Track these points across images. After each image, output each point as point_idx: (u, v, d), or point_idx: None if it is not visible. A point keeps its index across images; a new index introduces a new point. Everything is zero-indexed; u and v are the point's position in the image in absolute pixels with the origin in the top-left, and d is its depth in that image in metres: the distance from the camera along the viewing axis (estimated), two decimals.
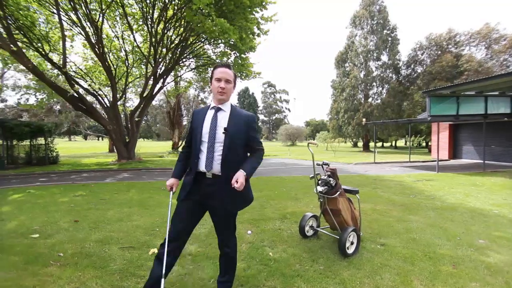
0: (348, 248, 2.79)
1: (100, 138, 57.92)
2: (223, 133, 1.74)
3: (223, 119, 1.79)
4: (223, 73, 1.79)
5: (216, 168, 1.74)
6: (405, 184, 7.48)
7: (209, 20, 8.08)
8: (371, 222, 3.97)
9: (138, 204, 5.03)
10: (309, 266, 2.59)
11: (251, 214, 4.29)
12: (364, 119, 18.96)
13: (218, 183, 1.76)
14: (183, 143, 2.06)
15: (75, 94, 10.65)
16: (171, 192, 1.96)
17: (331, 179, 2.90)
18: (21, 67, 12.93)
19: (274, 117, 77.38)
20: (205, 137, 1.77)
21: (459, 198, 5.76)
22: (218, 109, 1.83)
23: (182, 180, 1.93)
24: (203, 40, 12.98)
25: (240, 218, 4.08)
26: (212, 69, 1.92)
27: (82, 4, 9.84)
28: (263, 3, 8.99)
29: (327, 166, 2.97)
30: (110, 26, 12.79)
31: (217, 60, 14.15)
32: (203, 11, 7.86)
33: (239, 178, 1.64)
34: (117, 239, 3.27)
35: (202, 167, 1.76)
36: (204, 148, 1.77)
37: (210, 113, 1.83)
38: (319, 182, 2.97)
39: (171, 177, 1.95)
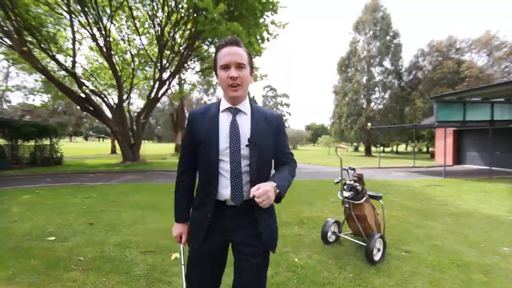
0: (375, 255, 2.74)
1: (101, 139, 57.79)
2: (247, 145, 1.19)
3: (246, 126, 1.23)
4: (231, 54, 1.17)
5: (246, 195, 1.20)
6: (415, 189, 7.44)
7: (221, 26, 8.08)
8: (390, 228, 3.92)
9: (150, 207, 4.97)
10: (338, 273, 2.54)
11: None
12: (369, 124, 18.99)
13: (248, 212, 1.21)
14: (179, 164, 1.37)
15: (83, 95, 10.65)
16: (182, 246, 1.35)
17: (357, 184, 2.86)
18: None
19: None
20: (224, 154, 1.19)
21: (472, 204, 5.72)
22: (236, 111, 1.24)
23: (190, 220, 1.34)
24: (208, 44, 13.02)
25: None
26: (214, 53, 1.26)
27: (91, 8, 9.88)
28: (274, 8, 9.04)
29: (353, 171, 2.93)
30: (116, 29, 12.84)
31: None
32: (216, 18, 7.86)
33: (262, 186, 1.09)
34: (136, 243, 3.21)
35: (225, 196, 1.20)
36: (225, 170, 1.19)
37: (224, 118, 1.24)
38: (345, 187, 2.93)
39: (176, 221, 1.34)
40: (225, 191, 1.19)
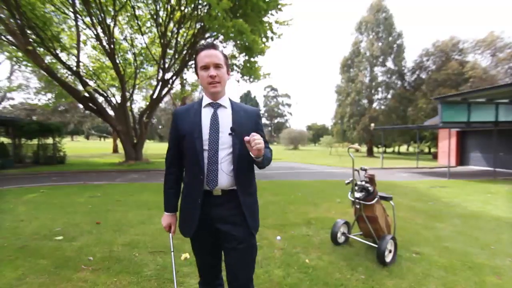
0: (386, 257, 2.71)
1: (102, 138, 57.88)
2: (230, 134, 1.31)
3: (226, 118, 1.35)
4: (209, 56, 1.31)
5: (226, 181, 1.31)
6: (420, 190, 7.41)
7: (227, 23, 8.06)
8: (398, 229, 3.87)
9: (156, 207, 4.95)
10: (350, 275, 2.52)
11: (274, 219, 4.21)
12: (372, 124, 18.96)
13: (230, 201, 1.33)
14: (166, 158, 1.52)
15: (87, 94, 10.66)
16: (171, 235, 1.49)
17: (368, 185, 2.84)
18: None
19: (276, 121, 77.46)
20: (206, 144, 1.31)
21: (479, 205, 5.68)
22: (217, 106, 1.37)
23: (179, 209, 1.45)
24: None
25: (264, 223, 4.00)
26: (194, 56, 1.42)
27: (96, 8, 9.88)
28: (278, 6, 9.01)
29: (365, 171, 2.90)
30: (119, 29, 12.83)
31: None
32: (220, 15, 7.85)
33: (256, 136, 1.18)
34: (145, 243, 3.20)
35: (205, 184, 1.32)
36: (206, 158, 1.31)
37: (206, 112, 1.36)
38: (356, 188, 2.91)
39: (165, 211, 1.47)
40: (210, 179, 1.31)
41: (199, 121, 1.34)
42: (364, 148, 30.18)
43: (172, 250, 1.51)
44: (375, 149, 28.95)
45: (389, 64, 27.06)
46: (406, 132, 25.31)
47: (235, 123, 1.34)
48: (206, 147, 1.31)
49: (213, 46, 1.34)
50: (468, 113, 10.13)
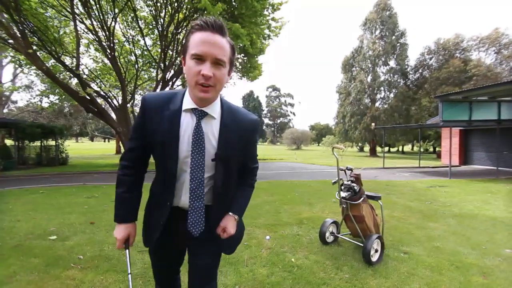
0: (372, 256, 2.72)
1: (106, 140, 58.56)
2: (213, 160, 1.04)
3: (211, 134, 1.03)
4: (211, 44, 0.90)
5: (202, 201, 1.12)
6: (419, 190, 7.35)
7: None
8: (390, 229, 3.88)
9: None
10: (334, 274, 2.53)
11: (267, 219, 4.23)
12: (373, 124, 18.82)
13: (205, 218, 1.13)
14: (125, 156, 1.15)
15: (87, 97, 10.82)
16: (127, 251, 1.18)
17: (354, 184, 2.84)
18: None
19: (278, 121, 77.40)
20: (184, 163, 1.03)
21: (477, 205, 5.62)
22: (201, 115, 1.01)
23: (144, 218, 1.24)
24: None
25: (256, 223, 4.03)
26: (187, 32, 1.00)
27: (96, 11, 10.03)
28: (274, 6, 9.03)
29: (350, 171, 2.91)
30: (121, 30, 12.99)
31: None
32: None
33: (227, 227, 1.12)
34: (135, 242, 3.19)
35: (181, 203, 1.10)
36: (185, 180, 1.06)
37: (187, 120, 1.01)
38: (342, 187, 2.91)
39: (119, 222, 1.15)
40: (181, 198, 1.10)
41: (176, 132, 0.99)
42: (367, 148, 29.92)
43: (129, 272, 1.14)
44: (378, 149, 28.71)
45: (392, 63, 26.87)
46: (410, 131, 25.09)
47: (222, 143, 1.02)
48: (186, 167, 1.03)
49: (220, 30, 0.92)
50: (469, 112, 10.01)
